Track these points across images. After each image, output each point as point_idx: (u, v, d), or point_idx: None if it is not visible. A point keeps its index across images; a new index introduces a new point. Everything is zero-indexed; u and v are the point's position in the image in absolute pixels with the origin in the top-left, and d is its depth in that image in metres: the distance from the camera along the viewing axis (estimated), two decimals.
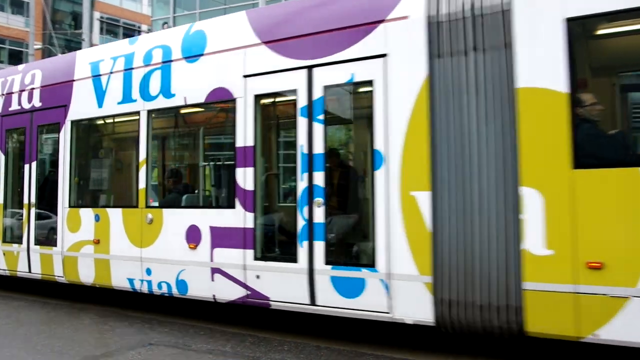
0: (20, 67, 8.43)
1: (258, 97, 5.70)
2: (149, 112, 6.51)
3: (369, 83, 5.08)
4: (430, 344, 5.28)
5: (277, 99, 5.85)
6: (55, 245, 7.43)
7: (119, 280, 6.73)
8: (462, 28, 4.69)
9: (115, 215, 6.77)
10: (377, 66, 5.02)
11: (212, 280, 5.90)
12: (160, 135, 6.85)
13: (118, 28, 40.06)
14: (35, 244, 7.71)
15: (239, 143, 5.75)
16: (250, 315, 6.37)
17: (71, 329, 6.23)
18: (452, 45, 4.74)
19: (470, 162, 4.59)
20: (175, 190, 6.61)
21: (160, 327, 6.16)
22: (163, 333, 5.90)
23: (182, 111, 6.41)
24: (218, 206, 5.98)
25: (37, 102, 7.84)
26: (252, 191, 5.64)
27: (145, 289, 6.49)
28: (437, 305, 4.68)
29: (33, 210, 7.76)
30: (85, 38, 26.65)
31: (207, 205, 6.34)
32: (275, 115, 6.06)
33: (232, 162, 5.84)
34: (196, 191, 6.80)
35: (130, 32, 39.45)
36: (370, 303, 4.97)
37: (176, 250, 6.16)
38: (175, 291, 6.21)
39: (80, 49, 26.86)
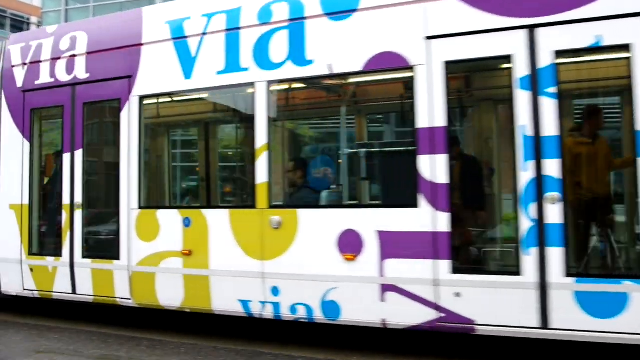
0: (50, 28, 6.52)
1: (449, 65, 4.45)
2: (270, 83, 5.03)
3: (625, 48, 4.00)
4: (329, 341, 5.20)
5: (479, 67, 4.62)
6: (117, 258, 5.69)
7: (225, 302, 5.17)
8: None
9: (217, 218, 5.20)
10: (637, 27, 3.97)
11: (382, 300, 4.56)
12: (285, 113, 5.36)
13: (5, 19, 37.11)
14: (84, 257, 5.91)
15: (422, 123, 4.46)
16: (145, 317, 6.07)
17: None
18: None
19: None
20: (307, 185, 5.17)
21: (50, 334, 5.81)
22: (53, 340, 5.58)
23: (323, 82, 4.99)
24: (389, 205, 4.64)
25: (81, 73, 6.03)
26: (446, 185, 4.38)
27: (269, 313, 5.00)
28: None
29: (79, 213, 5.93)
30: None
31: (370, 204, 4.94)
32: (474, 87, 4.83)
33: (406, 148, 4.57)
34: (333, 186, 5.37)
35: (19, 24, 36.77)
36: (636, 324, 3.91)
37: (322, 262, 4.74)
38: (319, 315, 4.80)
39: None
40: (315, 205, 5.03)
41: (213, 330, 5.71)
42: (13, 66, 6.54)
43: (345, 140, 5.41)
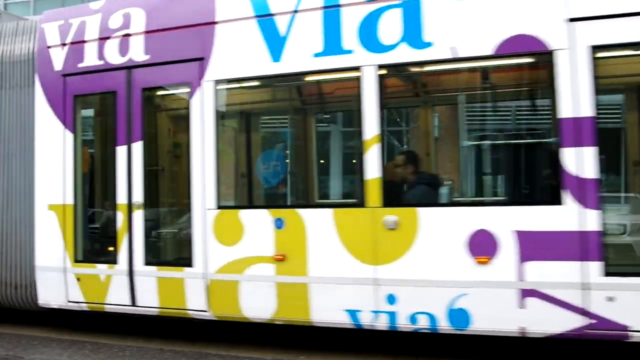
0: (95, 4, 5.68)
1: (596, 50, 4.08)
2: (380, 67, 4.52)
3: None
4: (276, 341, 5.19)
5: (632, 52, 4.25)
6: (190, 265, 5.02)
7: (328, 313, 4.62)
8: None
9: (318, 218, 4.63)
10: None
11: (521, 306, 4.15)
12: (396, 100, 4.84)
13: None
14: (147, 264, 5.19)
15: (565, 113, 4.07)
16: (88, 320, 5.93)
17: None
18: None
19: None
20: (422, 181, 4.69)
21: None
22: None
23: (444, 67, 4.51)
24: (528, 202, 4.23)
25: (138, 55, 5.29)
26: (595, 180, 4.01)
27: (382, 324, 4.49)
28: None
29: (139, 214, 5.20)
30: None
31: (506, 201, 4.48)
32: (626, 74, 4.46)
33: (545, 140, 4.18)
34: (448, 182, 4.91)
35: None
36: None
37: (449, 266, 4.29)
38: (444, 325, 4.34)
39: None
40: (440, 203, 4.57)
41: (159, 332, 5.59)
42: (49, 47, 5.69)
43: (468, 132, 4.96)
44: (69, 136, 5.54)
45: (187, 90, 5.11)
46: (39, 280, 5.63)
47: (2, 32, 6.02)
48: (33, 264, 5.65)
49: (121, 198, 5.30)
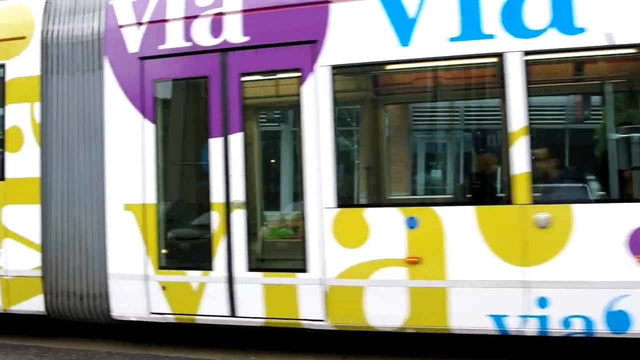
0: None
1: None
2: (527, 54, 4.19)
3: None
4: (228, 342, 5.14)
5: None
6: (304, 270, 4.53)
7: (469, 319, 4.27)
8: None
9: (458, 217, 4.27)
10: None
11: None
12: (543, 89, 4.51)
13: None
14: (250, 270, 4.65)
15: None
16: (36, 324, 5.77)
17: None
18: None
19: None
20: (567, 176, 4.40)
21: None
22: None
23: (598, 54, 4.23)
24: None
25: (235, 37, 4.71)
26: None
27: (531, 329, 4.18)
28: None
29: (239, 214, 4.64)
30: None
31: None
32: None
33: None
34: (591, 177, 4.62)
35: None
36: None
37: (608, 266, 4.03)
38: (601, 328, 4.07)
39: None
40: (597, 199, 4.30)
41: (107, 334, 5.52)
42: (121, 26, 5.00)
43: (618, 123, 4.71)
44: (149, 126, 4.88)
45: (297, 75, 4.60)
46: (112, 289, 4.96)
47: (57, 11, 5.25)
48: (103, 271, 4.97)
49: (217, 196, 4.72)
